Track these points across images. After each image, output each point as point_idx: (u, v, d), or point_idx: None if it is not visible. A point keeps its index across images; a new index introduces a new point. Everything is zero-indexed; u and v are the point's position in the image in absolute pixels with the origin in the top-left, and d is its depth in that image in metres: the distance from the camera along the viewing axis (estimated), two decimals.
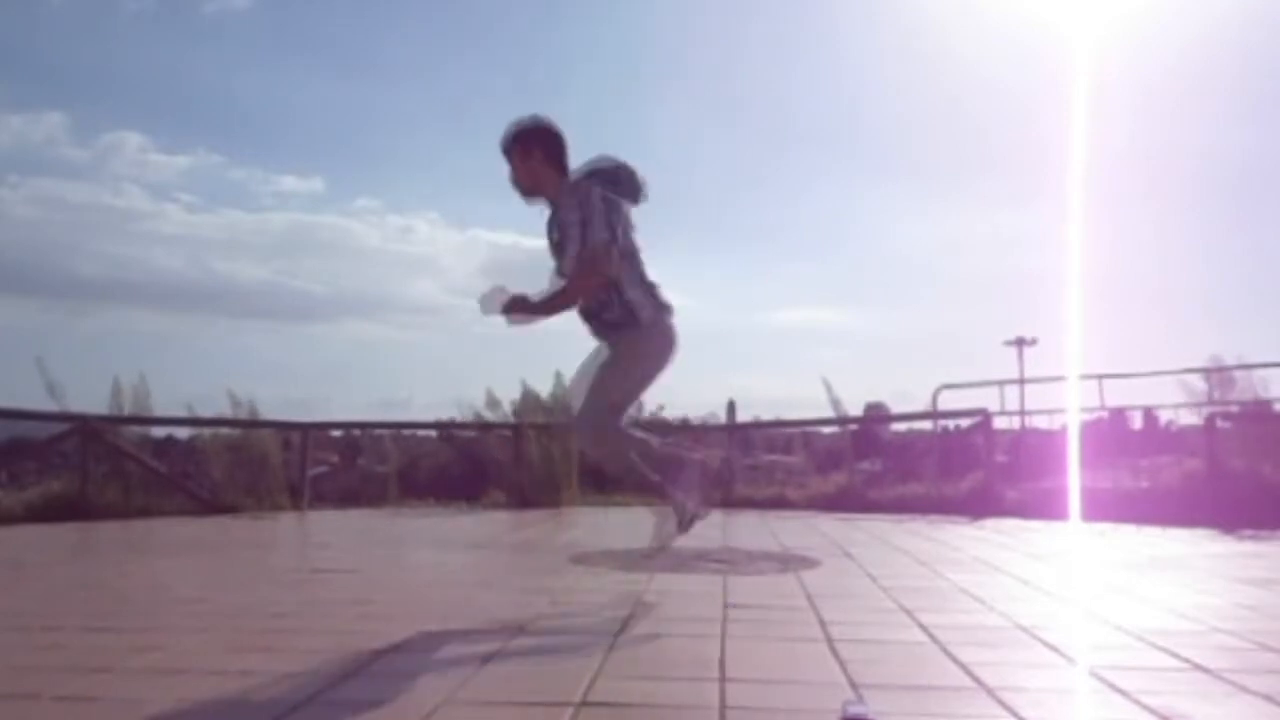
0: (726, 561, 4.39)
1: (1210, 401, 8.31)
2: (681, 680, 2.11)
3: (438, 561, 4.89)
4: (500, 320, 3.43)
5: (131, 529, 6.92)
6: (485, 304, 3.39)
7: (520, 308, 3.36)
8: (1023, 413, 10.49)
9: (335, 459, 16.38)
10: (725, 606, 3.10)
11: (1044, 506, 7.55)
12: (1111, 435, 10.27)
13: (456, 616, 3.00)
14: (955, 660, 2.30)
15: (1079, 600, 3.48)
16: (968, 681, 2.09)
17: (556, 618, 2.99)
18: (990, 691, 2.00)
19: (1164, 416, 9.95)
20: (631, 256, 3.39)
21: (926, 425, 11.00)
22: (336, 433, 13.91)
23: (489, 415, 10.05)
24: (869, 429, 12.53)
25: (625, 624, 2.79)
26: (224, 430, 9.12)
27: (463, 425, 10.58)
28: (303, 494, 9.02)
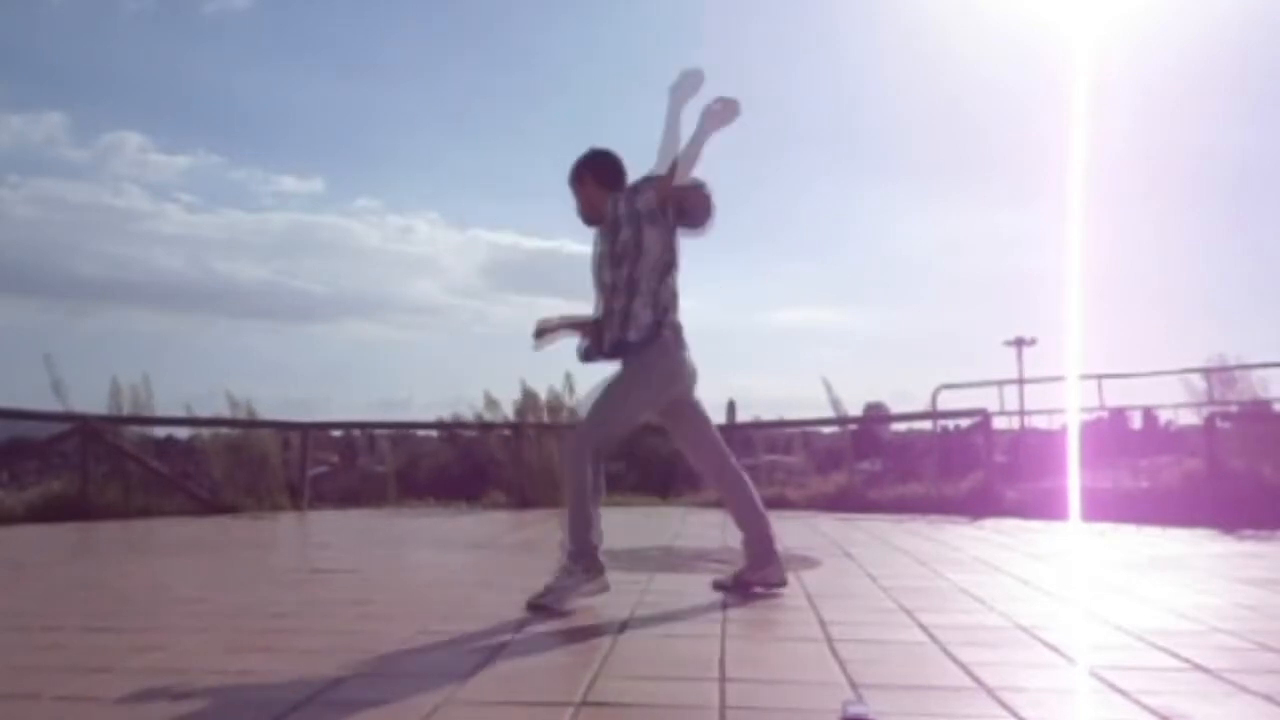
0: (726, 561, 4.39)
1: (1210, 401, 8.31)
2: (681, 680, 2.11)
3: (438, 561, 4.89)
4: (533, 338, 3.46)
5: (131, 529, 6.92)
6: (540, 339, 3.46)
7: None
8: (1022, 413, 10.49)
9: (335, 459, 16.39)
10: (725, 606, 3.10)
11: (1044, 506, 7.55)
12: (1111, 435, 10.27)
13: (456, 616, 3.00)
14: (955, 660, 2.30)
15: (1079, 600, 3.47)
16: (968, 681, 2.09)
17: (557, 618, 2.98)
18: (990, 691, 2.00)
19: (1163, 416, 9.96)
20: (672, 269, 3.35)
21: (926, 425, 11.00)
22: (336, 433, 13.92)
23: (489, 415, 10.05)
24: (869, 429, 12.54)
25: (625, 624, 2.79)
26: (224, 430, 9.12)
27: (463, 425, 10.58)
28: (303, 494, 9.02)
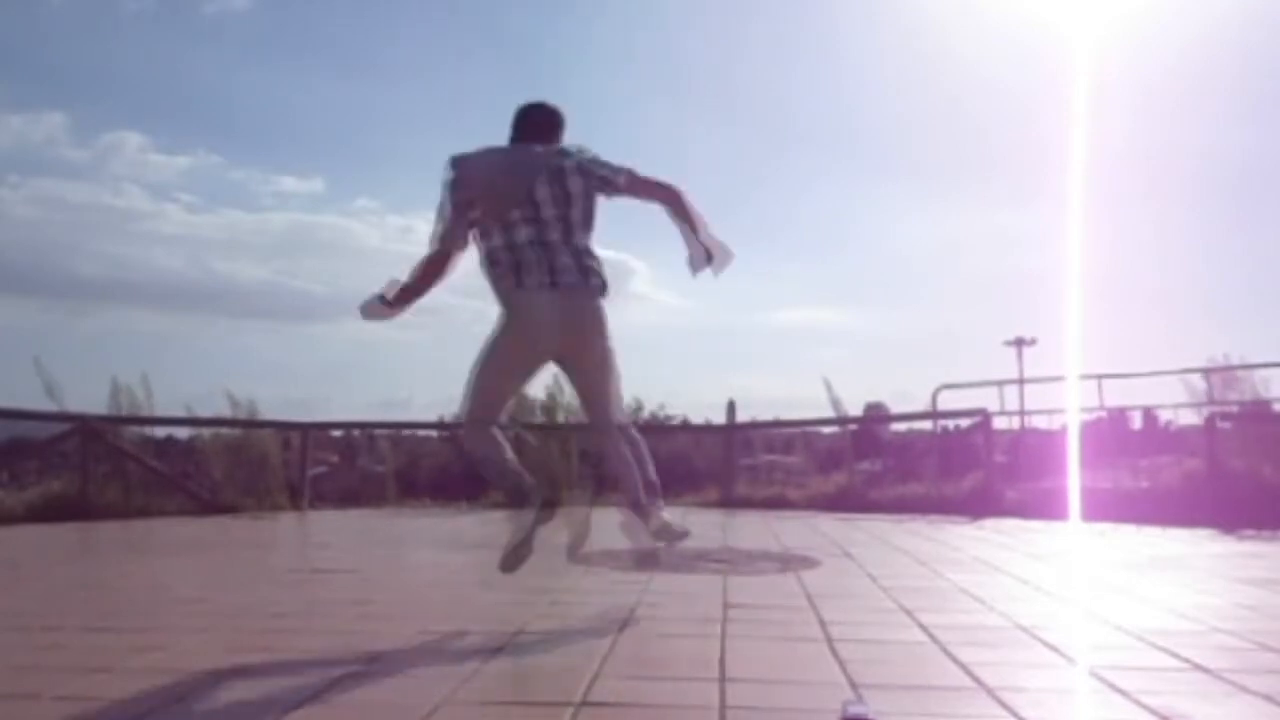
0: (726, 561, 4.39)
1: (1210, 401, 8.30)
2: (681, 680, 2.11)
3: (438, 561, 4.89)
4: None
5: (131, 529, 6.92)
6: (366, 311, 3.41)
7: None
8: (1022, 413, 10.49)
9: (335, 459, 16.37)
10: (725, 606, 3.10)
11: (1044, 506, 7.55)
12: (1111, 435, 10.25)
13: (456, 616, 3.00)
14: (955, 660, 2.30)
15: (1079, 600, 3.48)
16: (968, 681, 2.09)
17: (556, 618, 2.99)
18: (990, 691, 2.00)
19: (1163, 416, 9.96)
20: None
21: (926, 425, 11.00)
22: (336, 433, 13.90)
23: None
24: (869, 429, 12.52)
25: (625, 624, 2.79)
26: (224, 430, 9.12)
27: (463, 425, 10.55)
28: (303, 494, 9.02)
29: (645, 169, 3.39)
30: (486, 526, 6.97)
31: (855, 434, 10.76)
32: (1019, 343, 22.99)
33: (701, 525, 6.68)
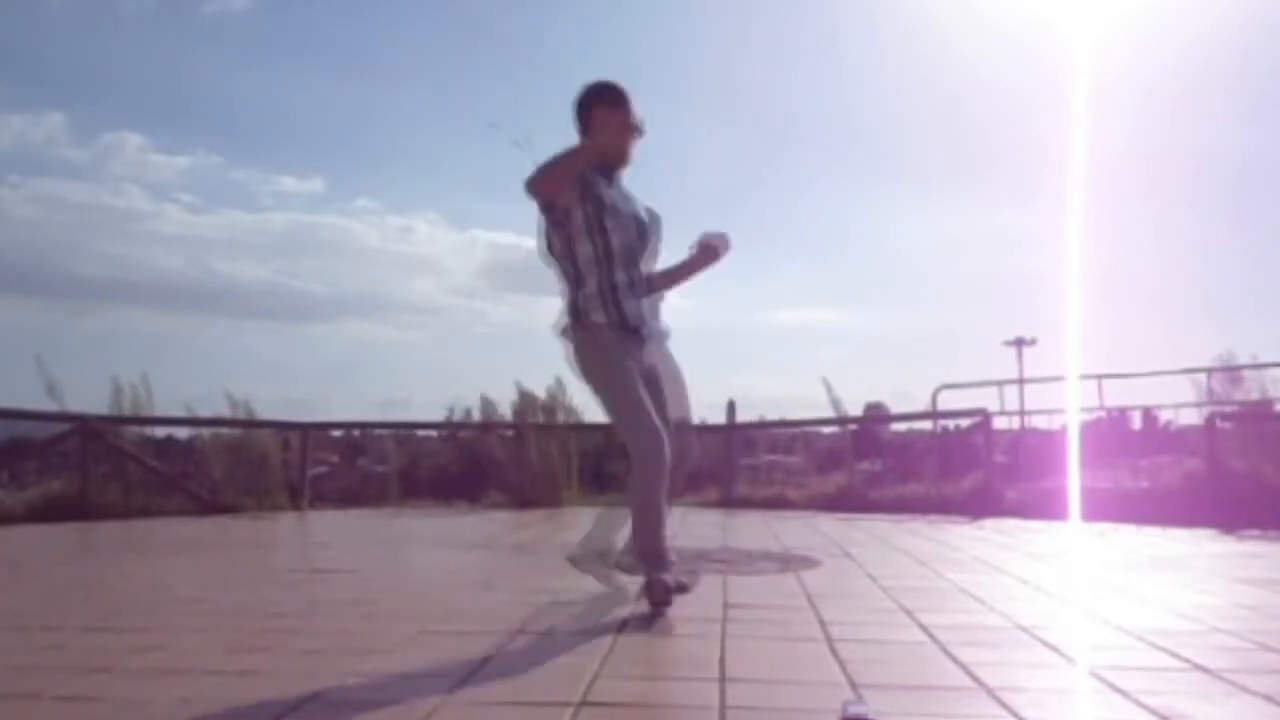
0: (726, 561, 4.39)
1: (1210, 401, 8.30)
2: (681, 680, 2.11)
3: (438, 561, 4.89)
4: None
5: (131, 529, 6.92)
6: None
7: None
8: (1022, 413, 10.49)
9: (335, 459, 16.36)
10: (725, 606, 3.10)
11: (1044, 506, 7.55)
12: (1111, 435, 10.25)
13: (457, 616, 3.00)
14: (955, 660, 2.30)
15: (1079, 600, 3.48)
16: (968, 681, 2.09)
17: (557, 618, 2.99)
18: (990, 691, 2.00)
19: (1163, 416, 9.96)
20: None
21: (926, 425, 11.00)
22: (337, 433, 13.89)
23: (489, 414, 10.06)
24: (869, 429, 12.53)
25: (625, 624, 2.79)
26: (224, 430, 9.12)
27: (463, 425, 10.57)
28: (303, 494, 9.02)
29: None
30: (487, 526, 6.97)
31: (855, 434, 10.77)
32: (1019, 343, 22.99)
33: (702, 525, 6.68)
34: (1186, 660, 2.31)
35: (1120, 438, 10.30)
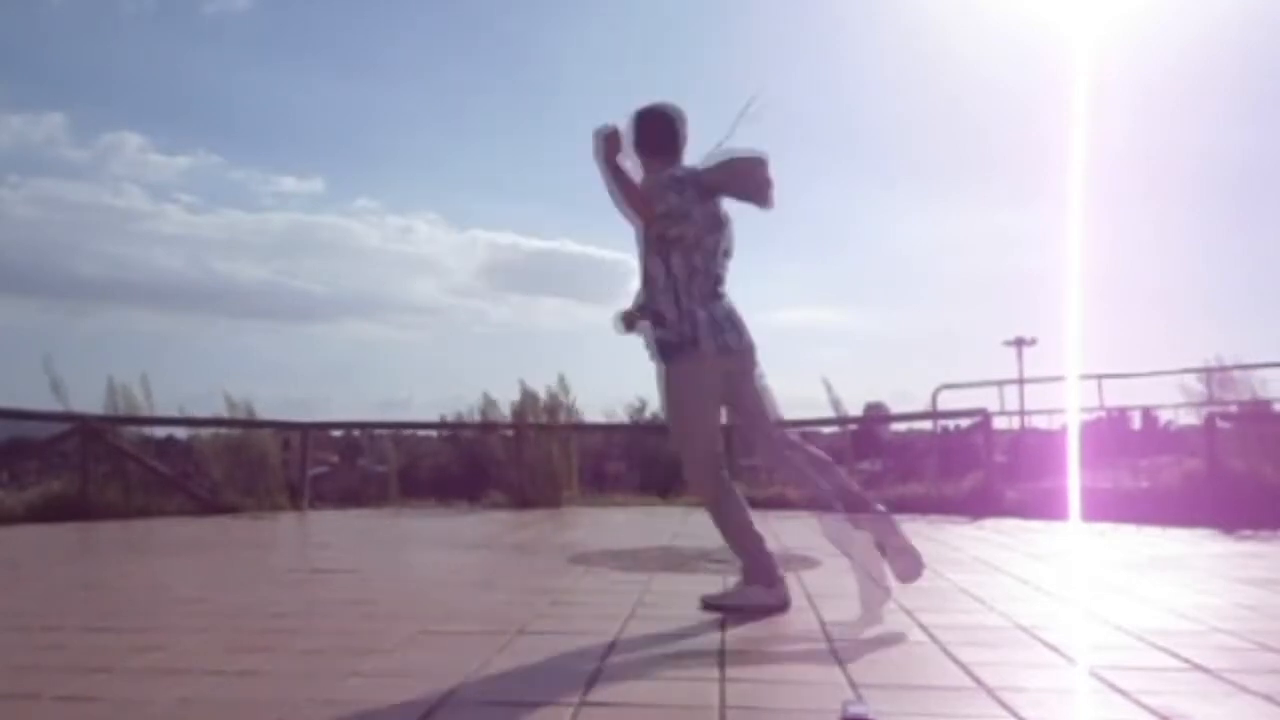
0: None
1: (1210, 401, 8.30)
2: (681, 680, 2.11)
3: (438, 561, 4.89)
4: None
5: (131, 529, 6.92)
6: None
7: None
8: (1022, 413, 10.48)
9: (335, 459, 16.38)
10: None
11: (1044, 506, 7.54)
12: (1111, 435, 10.25)
13: (457, 616, 3.00)
14: (955, 660, 2.30)
15: (1079, 600, 3.48)
16: (968, 681, 2.09)
17: (556, 618, 2.99)
18: (990, 691, 2.00)
19: (1163, 417, 9.95)
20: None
21: (926, 425, 10.99)
22: (336, 433, 13.90)
23: (490, 414, 10.07)
24: (869, 429, 12.51)
25: (625, 624, 2.79)
26: (224, 430, 9.12)
27: (463, 425, 10.57)
28: (303, 494, 9.02)
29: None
30: (487, 526, 6.96)
31: (855, 434, 10.76)
32: (1019, 343, 23.00)
33: (701, 525, 6.68)
34: (1186, 660, 2.31)
35: (1120, 438, 10.30)
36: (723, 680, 2.09)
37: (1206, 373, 8.47)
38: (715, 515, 3.28)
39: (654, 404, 18.31)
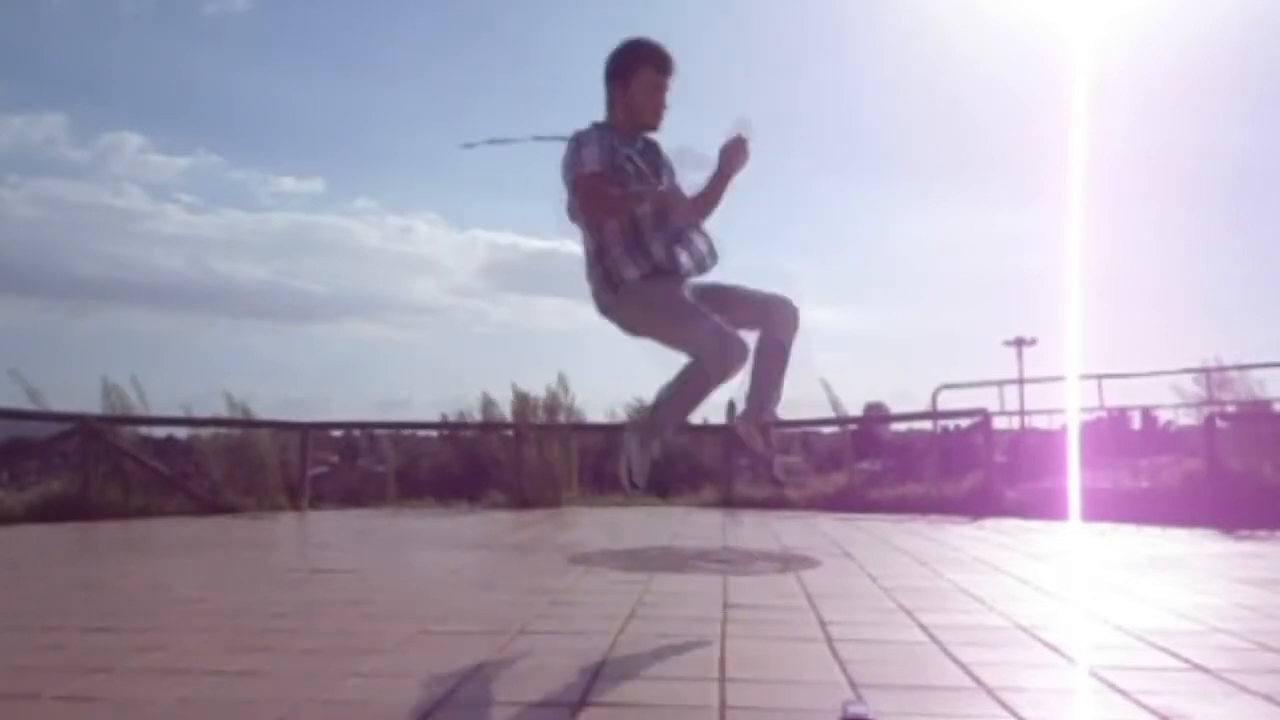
0: (726, 561, 4.39)
1: (1210, 401, 8.30)
2: (681, 680, 2.11)
3: (438, 561, 4.89)
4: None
5: (131, 529, 6.91)
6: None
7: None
8: (1022, 413, 10.49)
9: (335, 459, 16.39)
10: (725, 606, 3.10)
11: (1044, 506, 7.54)
12: (1111, 435, 10.26)
13: (457, 616, 3.00)
14: (955, 660, 2.30)
15: (1079, 600, 3.47)
16: (968, 681, 2.09)
17: (556, 618, 2.99)
18: (990, 691, 2.00)
19: (1163, 417, 9.95)
20: None
21: (926, 425, 10.98)
22: (336, 433, 13.90)
23: (489, 414, 10.07)
24: (869, 429, 12.52)
25: (625, 624, 2.79)
26: (224, 430, 9.12)
27: (464, 425, 10.57)
28: (303, 494, 9.02)
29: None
30: (486, 526, 6.96)
31: (855, 434, 10.76)
32: (1019, 343, 23.03)
33: (701, 525, 6.68)
34: (1186, 660, 2.31)
35: (1120, 438, 10.30)
36: (722, 680, 2.09)
37: (1206, 373, 8.47)
38: (705, 377, 2.99)
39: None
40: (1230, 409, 8.09)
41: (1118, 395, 9.66)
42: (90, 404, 8.29)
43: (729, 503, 9.23)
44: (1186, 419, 8.89)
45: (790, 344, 3.07)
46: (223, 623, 2.89)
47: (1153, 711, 1.86)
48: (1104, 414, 10.06)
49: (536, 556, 4.96)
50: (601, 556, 4.57)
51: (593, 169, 2.94)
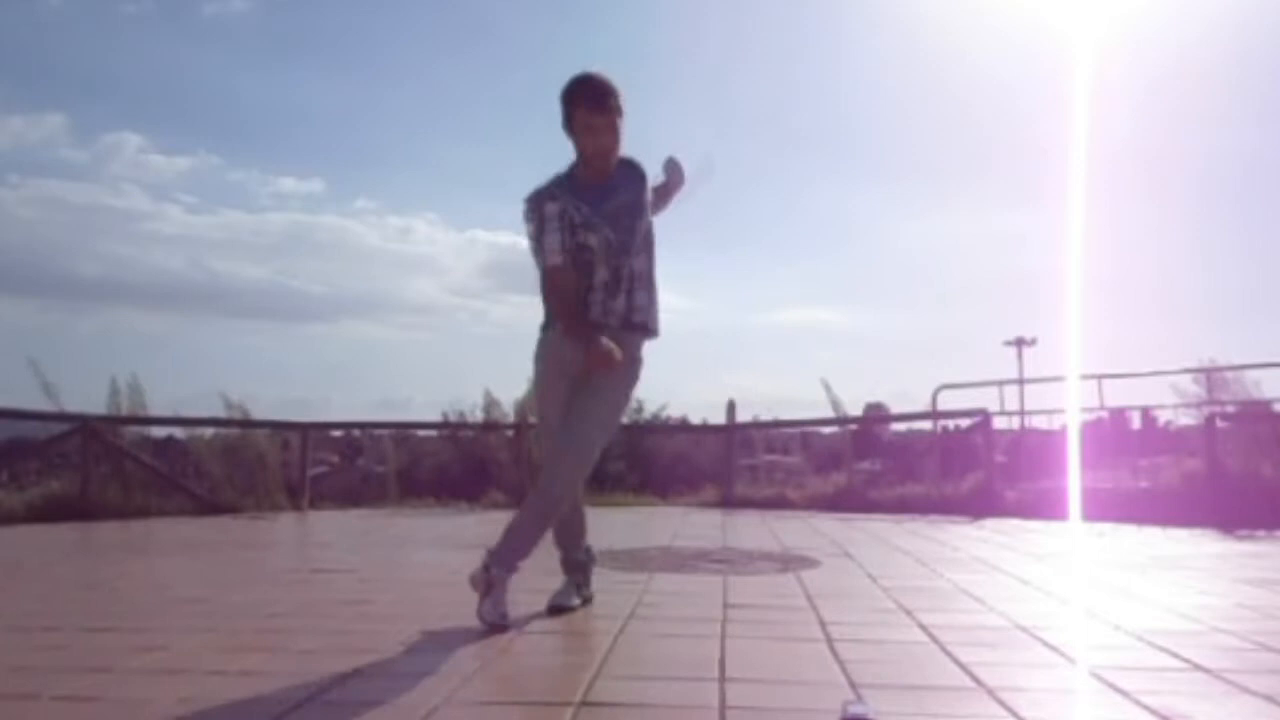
0: (726, 561, 4.39)
1: (1209, 401, 8.31)
2: (681, 680, 2.11)
3: (438, 561, 4.89)
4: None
5: (131, 529, 6.91)
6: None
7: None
8: (1022, 413, 10.50)
9: (335, 459, 16.39)
10: (725, 606, 3.10)
11: (1044, 506, 7.55)
12: (1111, 435, 10.27)
13: (456, 616, 3.00)
14: (955, 660, 2.30)
15: (1079, 600, 3.47)
16: (968, 681, 2.09)
17: (556, 618, 2.98)
18: (990, 691, 2.00)
19: (1163, 417, 9.96)
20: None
21: (926, 425, 10.99)
22: (336, 433, 13.91)
23: (490, 415, 10.07)
24: (869, 429, 12.53)
25: (625, 624, 2.79)
26: (224, 430, 9.12)
27: (464, 425, 10.57)
28: (303, 494, 9.02)
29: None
30: (486, 526, 6.96)
31: (855, 434, 10.77)
32: (1019, 343, 23.03)
33: (701, 525, 6.68)
34: (1186, 660, 2.31)
35: (1120, 438, 10.31)
36: (722, 680, 2.09)
37: (1205, 373, 8.48)
38: (553, 504, 3.09)
39: (653, 404, 18.33)
40: (1230, 409, 8.09)
41: (1118, 395, 9.69)
42: (90, 404, 8.31)
43: (729, 503, 9.23)
44: (1186, 419, 8.91)
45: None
46: (223, 623, 2.89)
47: (1153, 711, 1.86)
48: (1104, 414, 10.07)
49: (536, 557, 4.95)
50: (601, 556, 4.56)
51: (554, 262, 2.89)
